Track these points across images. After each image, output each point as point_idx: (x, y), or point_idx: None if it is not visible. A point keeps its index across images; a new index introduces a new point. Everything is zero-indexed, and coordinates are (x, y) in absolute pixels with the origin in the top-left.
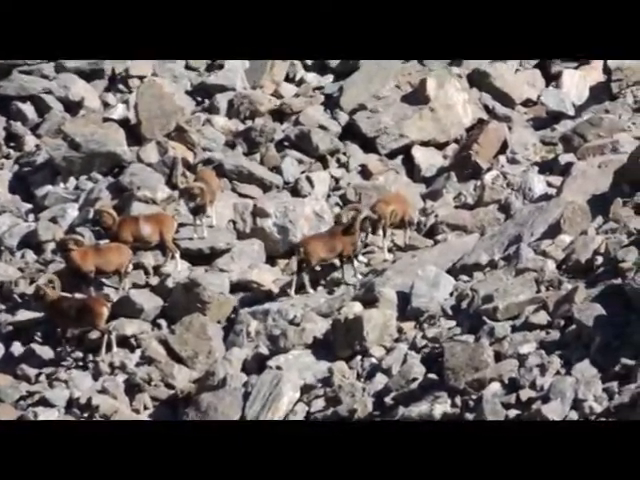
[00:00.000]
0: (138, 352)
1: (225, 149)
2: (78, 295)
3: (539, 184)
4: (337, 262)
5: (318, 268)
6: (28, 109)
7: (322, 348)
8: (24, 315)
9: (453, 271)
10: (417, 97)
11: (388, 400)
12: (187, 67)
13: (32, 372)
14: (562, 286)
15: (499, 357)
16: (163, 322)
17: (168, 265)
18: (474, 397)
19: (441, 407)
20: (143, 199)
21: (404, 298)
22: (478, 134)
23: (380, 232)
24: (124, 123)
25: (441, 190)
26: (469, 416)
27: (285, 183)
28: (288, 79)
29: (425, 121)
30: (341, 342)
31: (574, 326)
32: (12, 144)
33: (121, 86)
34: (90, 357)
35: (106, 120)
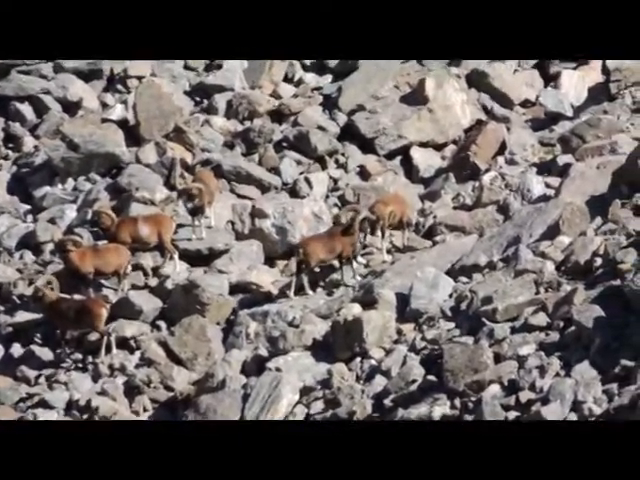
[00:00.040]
0: (137, 354)
1: (224, 150)
2: (77, 296)
3: (538, 185)
4: (336, 263)
5: (317, 269)
6: (26, 109)
7: (321, 350)
8: (23, 316)
9: (452, 272)
10: (416, 98)
11: (387, 402)
12: (186, 67)
13: (32, 374)
14: (561, 287)
15: (498, 359)
16: (162, 324)
17: (167, 266)
18: (473, 399)
19: (440, 409)
20: (141, 200)
21: (403, 299)
22: (476, 135)
23: (379, 233)
24: (122, 124)
25: (439, 191)
26: (468, 418)
27: (284, 184)
28: (287, 79)
29: (424, 122)
30: (340, 344)
31: (573, 327)
32: (10, 145)
33: (119, 86)
34: (89, 359)
35: (104, 121)
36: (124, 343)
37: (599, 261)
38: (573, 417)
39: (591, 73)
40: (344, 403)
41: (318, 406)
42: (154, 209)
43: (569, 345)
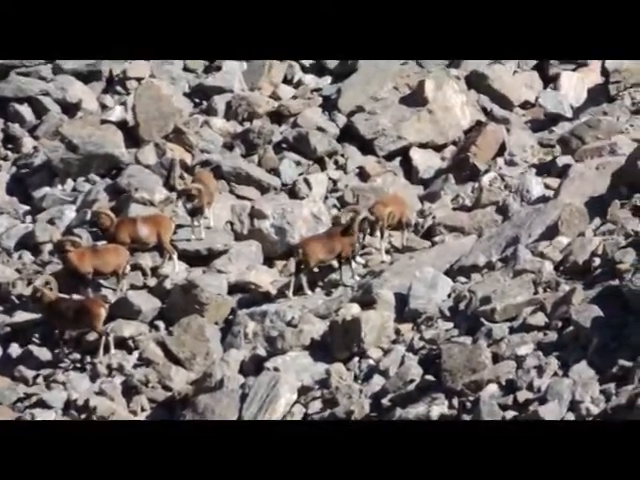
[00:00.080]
0: (136, 354)
1: (223, 151)
2: (76, 296)
3: (537, 186)
4: (335, 263)
5: (316, 269)
6: (26, 111)
7: (320, 350)
8: (22, 316)
9: (451, 273)
10: (415, 99)
11: (385, 402)
12: (185, 69)
13: (30, 374)
14: (560, 287)
15: (496, 358)
16: (161, 324)
17: (166, 266)
18: (471, 399)
19: (438, 409)
20: (141, 201)
21: (402, 300)
22: (476, 136)
23: (378, 234)
24: (122, 125)
25: (439, 192)
26: (466, 418)
27: (283, 185)
28: (286, 81)
29: (423, 123)
30: (339, 344)
31: (572, 327)
32: (10, 146)
33: (119, 88)
34: (88, 359)
35: (104, 122)
36: (122, 343)
37: (598, 261)
38: (571, 417)
39: (590, 74)
40: (342, 403)
41: (316, 406)
42: (153, 210)
43: (567, 345)
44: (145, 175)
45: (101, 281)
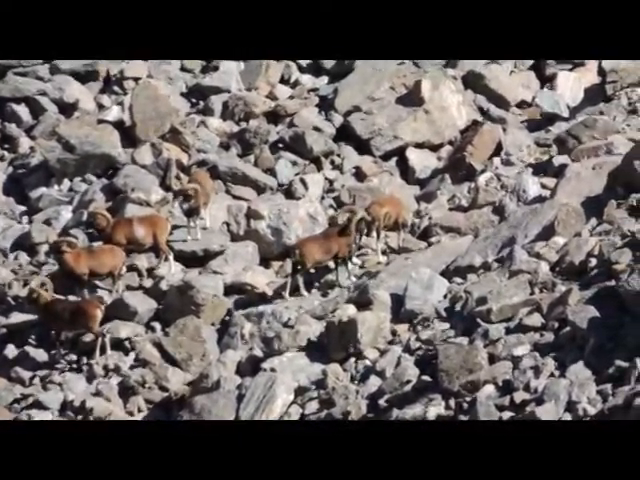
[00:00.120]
0: (132, 355)
1: (219, 151)
2: (72, 297)
3: (533, 186)
4: (331, 264)
5: (312, 270)
6: (22, 111)
7: (316, 350)
8: (18, 317)
9: (447, 273)
10: (411, 99)
11: (382, 402)
12: (182, 69)
13: (26, 375)
14: (556, 288)
15: (493, 359)
16: (157, 324)
17: (162, 267)
18: (468, 399)
19: (435, 409)
20: (137, 201)
21: (398, 300)
22: (472, 136)
23: (374, 234)
24: (119, 125)
25: (435, 192)
26: (463, 418)
27: (279, 185)
28: (283, 81)
29: (419, 123)
30: (335, 344)
31: (568, 328)
32: (6, 146)
33: (116, 88)
34: (84, 360)
35: (100, 122)
36: (119, 344)
37: (594, 262)
38: (567, 417)
39: (587, 74)
40: (339, 403)
41: (313, 406)
42: (149, 210)
43: (564, 346)
44: (141, 175)
45: (97, 282)
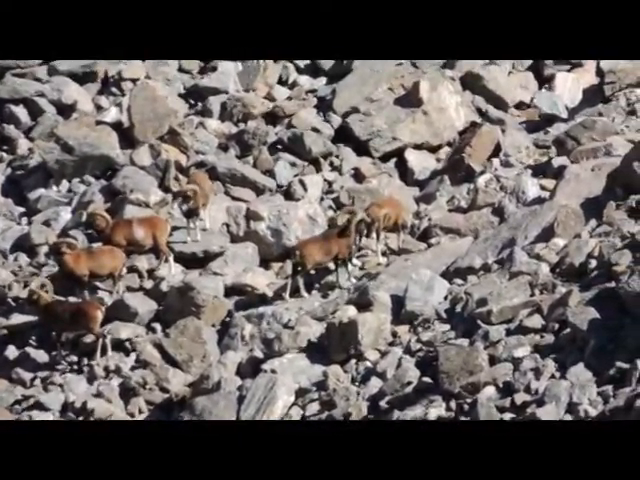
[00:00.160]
0: (133, 356)
1: (218, 152)
2: (72, 299)
3: (532, 187)
4: (331, 265)
5: (312, 272)
6: (21, 112)
7: (317, 352)
8: (18, 319)
9: (447, 275)
10: (410, 100)
11: (383, 404)
12: (180, 70)
13: (27, 376)
14: (556, 289)
15: (493, 361)
16: (157, 326)
17: (162, 268)
18: (469, 401)
19: (436, 411)
20: (136, 202)
21: (398, 302)
22: (471, 137)
23: (373, 235)
24: (117, 126)
25: (434, 193)
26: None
27: (278, 186)
28: (281, 82)
29: (418, 124)
30: (335, 346)
31: (568, 330)
32: (5, 147)
33: (114, 89)
34: (85, 361)
35: (99, 123)
36: (119, 345)
37: (594, 263)
38: (568, 419)
39: (585, 75)
40: (339, 405)
41: (313, 408)
42: (149, 211)
43: (564, 347)
44: (140, 176)
45: (97, 283)
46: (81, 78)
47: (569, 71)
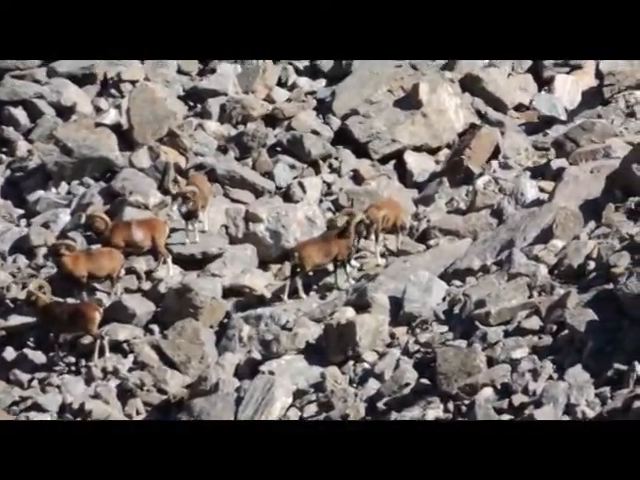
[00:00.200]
0: (131, 357)
1: (217, 154)
2: (70, 300)
3: (531, 189)
4: (330, 267)
5: (311, 273)
6: (20, 114)
7: (314, 353)
8: (16, 320)
9: (445, 276)
10: (409, 102)
11: (380, 405)
12: (179, 72)
13: (25, 377)
14: (554, 291)
15: (491, 362)
16: (155, 327)
17: (160, 270)
18: (467, 402)
19: (433, 412)
20: (135, 204)
21: (396, 303)
22: (470, 139)
23: (372, 237)
24: (116, 128)
25: (433, 195)
26: None
27: (277, 188)
28: (280, 84)
29: (417, 126)
30: (333, 347)
31: (566, 331)
32: (4, 149)
33: (113, 91)
34: (83, 362)
35: (98, 125)
36: (117, 346)
37: (592, 265)
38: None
39: (585, 77)
40: (337, 406)
41: (311, 409)
42: (148, 213)
43: (562, 348)
44: (139, 178)
45: (95, 285)
46: (80, 80)
47: (568, 73)
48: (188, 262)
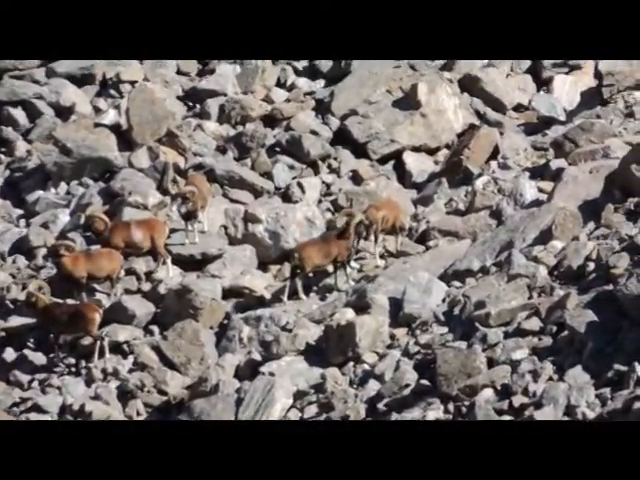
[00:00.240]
0: (131, 358)
1: (216, 154)
2: (70, 301)
3: (530, 190)
4: (330, 268)
5: (311, 274)
6: (19, 114)
7: (315, 354)
8: (16, 321)
9: (445, 277)
10: (408, 102)
11: (381, 406)
12: (178, 72)
13: (25, 378)
14: (554, 292)
15: (491, 363)
16: (155, 328)
17: (160, 271)
18: (467, 403)
19: (433, 413)
20: (134, 204)
21: (396, 304)
22: (469, 139)
23: (372, 238)
24: (115, 128)
25: (432, 196)
26: None
27: (276, 189)
28: (279, 84)
29: (416, 126)
30: (333, 348)
31: (566, 332)
32: (3, 149)
33: (112, 91)
34: (83, 363)
35: (97, 125)
36: (117, 348)
37: (592, 266)
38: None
39: (584, 77)
40: (338, 407)
41: (312, 410)
42: (147, 214)
43: (562, 350)
44: (138, 179)
45: (95, 286)
46: (79, 80)
47: (567, 74)
48: (187, 263)
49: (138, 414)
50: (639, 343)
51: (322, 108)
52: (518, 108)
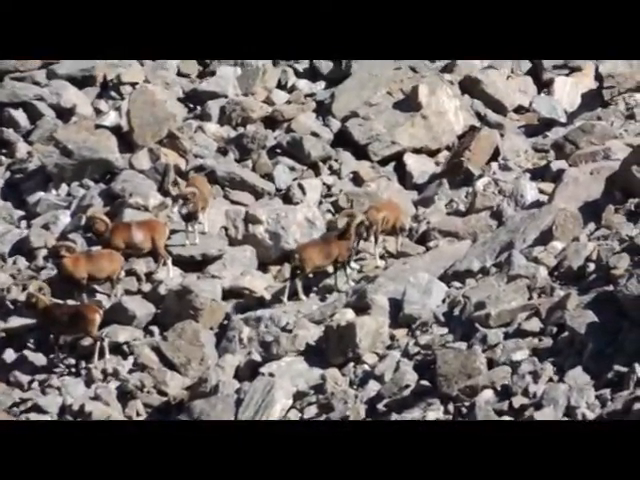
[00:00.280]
0: (130, 359)
1: (217, 156)
2: (70, 302)
3: (531, 191)
4: (330, 268)
5: (311, 275)
6: (20, 116)
7: (314, 355)
8: (17, 322)
9: (445, 278)
10: (409, 104)
11: (381, 407)
12: (179, 74)
13: (25, 379)
14: (554, 293)
15: (492, 364)
16: (155, 329)
17: (160, 272)
18: (467, 404)
19: (434, 414)
20: (135, 206)
21: (396, 305)
22: (470, 141)
23: (372, 239)
24: (116, 130)
25: (433, 197)
26: None
27: (277, 190)
28: (280, 86)
29: (417, 128)
30: (333, 349)
31: (566, 333)
32: (4, 151)
33: (113, 93)
34: (83, 364)
35: (98, 127)
36: (117, 348)
37: (592, 266)
38: None
39: (584, 79)
40: (337, 408)
41: (311, 411)
42: (148, 215)
43: (562, 350)
44: (139, 180)
45: (95, 286)
46: (80, 82)
47: (568, 75)
48: (188, 264)
49: (138, 414)
50: (639, 344)
51: (323, 110)
52: (519, 110)
